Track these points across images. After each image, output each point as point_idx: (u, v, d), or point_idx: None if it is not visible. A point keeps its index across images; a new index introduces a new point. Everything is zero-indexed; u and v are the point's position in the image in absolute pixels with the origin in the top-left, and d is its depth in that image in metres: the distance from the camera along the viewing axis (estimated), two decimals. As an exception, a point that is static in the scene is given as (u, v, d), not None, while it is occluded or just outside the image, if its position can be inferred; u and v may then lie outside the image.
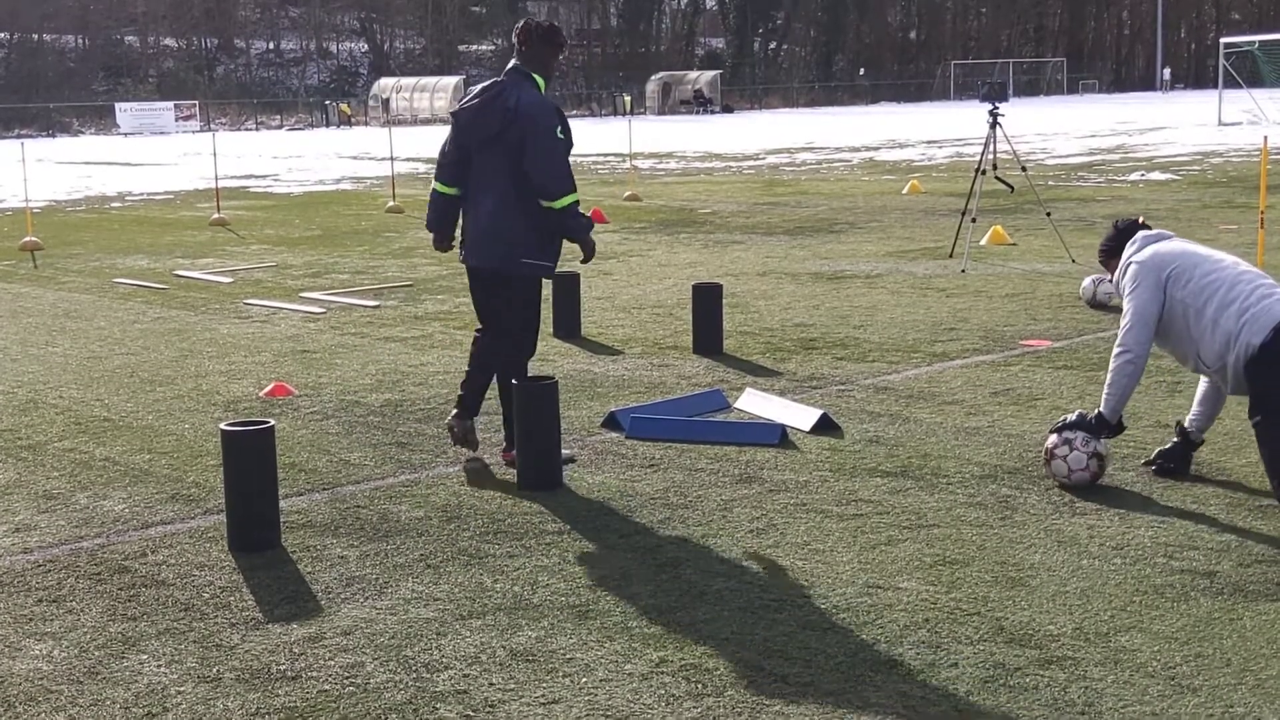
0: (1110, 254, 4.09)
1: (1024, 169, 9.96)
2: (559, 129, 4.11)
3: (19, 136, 41.42)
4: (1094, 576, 3.22)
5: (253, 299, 8.24)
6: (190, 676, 2.82)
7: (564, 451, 4.26)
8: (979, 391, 5.22)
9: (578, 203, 4.20)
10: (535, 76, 4.24)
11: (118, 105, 49.06)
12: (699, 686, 2.70)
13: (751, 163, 22.06)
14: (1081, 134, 26.96)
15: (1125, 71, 75.34)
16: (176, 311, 7.85)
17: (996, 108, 9.00)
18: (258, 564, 3.48)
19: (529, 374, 4.35)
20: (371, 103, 55.55)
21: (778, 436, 4.55)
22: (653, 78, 61.05)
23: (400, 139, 29.99)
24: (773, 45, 73.38)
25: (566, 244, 4.39)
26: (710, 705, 2.62)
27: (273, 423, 3.68)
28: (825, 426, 4.67)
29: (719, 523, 3.72)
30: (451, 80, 55.35)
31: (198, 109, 49.02)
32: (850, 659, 2.81)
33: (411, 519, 3.84)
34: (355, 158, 27.20)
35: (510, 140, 4.10)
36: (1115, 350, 3.92)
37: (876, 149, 24.72)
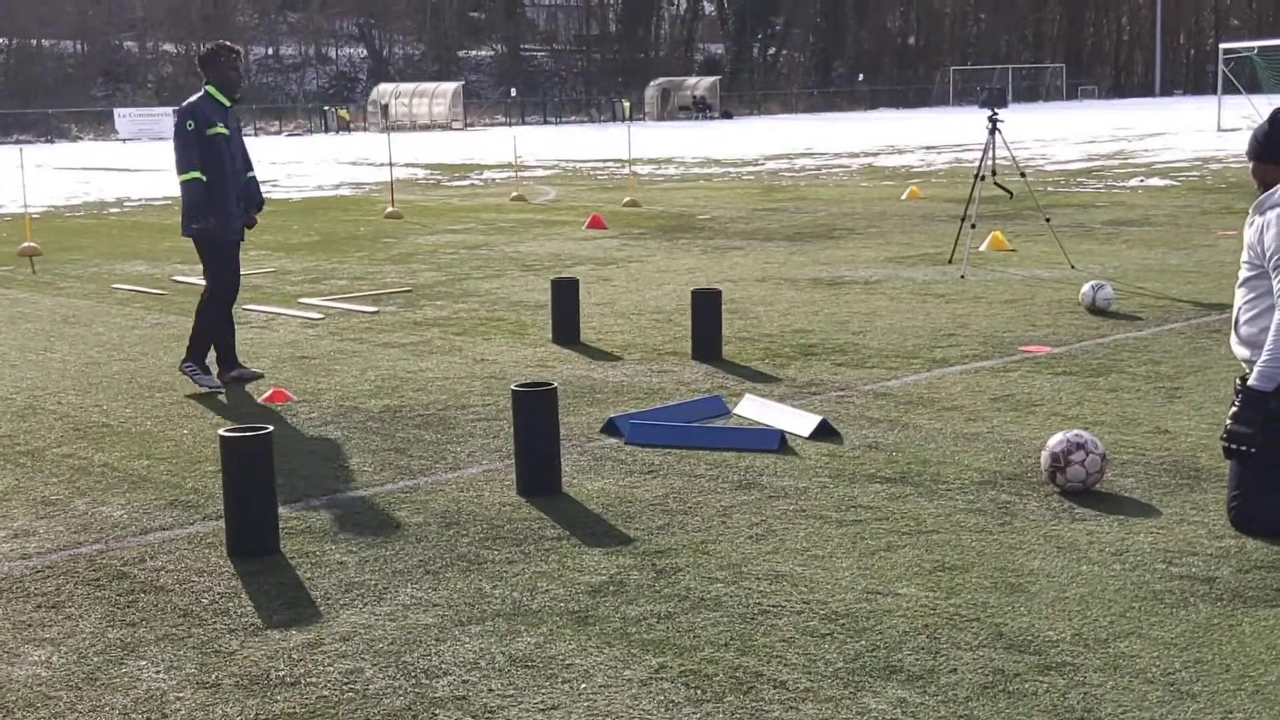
0: (1260, 155, 3.57)
1: (1023, 175, 9.96)
2: (187, 123, 5.58)
3: (17, 142, 41.42)
4: (1093, 582, 3.22)
5: (251, 305, 8.23)
6: (189, 682, 2.81)
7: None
8: (978, 397, 5.22)
9: (194, 180, 5.60)
10: (208, 88, 5.71)
11: (116, 111, 49.03)
12: (698, 692, 2.70)
13: (751, 168, 22.07)
14: (1081, 140, 26.99)
15: (1124, 77, 75.42)
16: (175, 317, 7.84)
17: (995, 113, 9.00)
18: (256, 570, 3.48)
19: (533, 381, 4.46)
20: (370, 108, 55.59)
21: (777, 442, 4.54)
22: (652, 83, 61.12)
23: (399, 144, 30.01)
24: (772, 51, 73.45)
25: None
26: (709, 711, 2.61)
27: (271, 429, 3.68)
28: (824, 432, 4.67)
29: (718, 529, 3.71)
30: (451, 86, 55.39)
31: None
32: (849, 665, 2.80)
33: (410, 525, 3.83)
34: (354, 163, 27.21)
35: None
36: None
37: (875, 155, 24.73)
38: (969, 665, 2.78)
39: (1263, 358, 3.48)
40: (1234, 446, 3.50)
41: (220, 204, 5.63)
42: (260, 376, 5.89)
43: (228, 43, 5.88)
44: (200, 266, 5.97)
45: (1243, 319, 3.67)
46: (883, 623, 3.01)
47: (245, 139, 6.02)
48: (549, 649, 2.93)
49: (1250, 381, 3.50)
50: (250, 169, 5.88)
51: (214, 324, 5.74)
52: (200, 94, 5.69)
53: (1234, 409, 3.52)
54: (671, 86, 61.14)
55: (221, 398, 5.63)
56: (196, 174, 5.56)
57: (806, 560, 3.43)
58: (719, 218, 13.32)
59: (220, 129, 5.61)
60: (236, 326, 6.16)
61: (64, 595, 3.34)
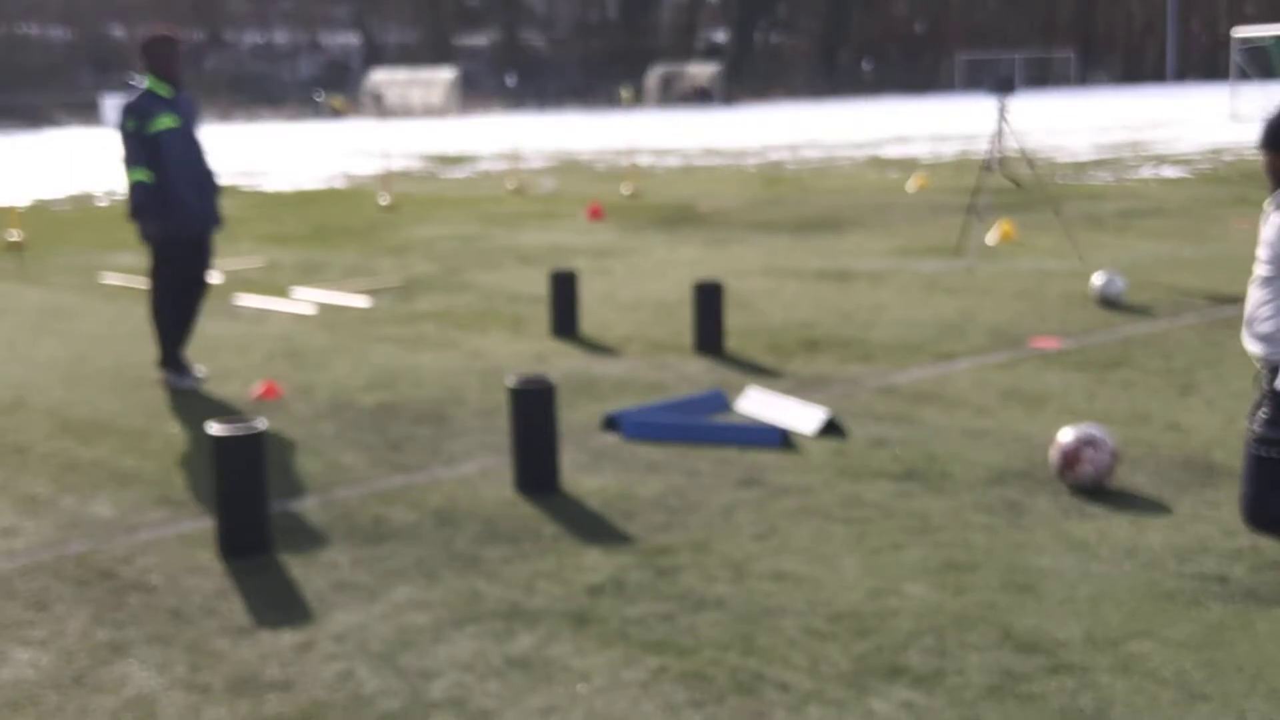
0: (1276, 144, 3.45)
1: (1032, 165, 9.89)
2: (127, 123, 5.46)
3: (4, 131, 41.25)
4: (1104, 582, 3.18)
5: (243, 298, 8.17)
6: (179, 684, 2.79)
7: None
8: (986, 392, 5.16)
9: (138, 182, 5.48)
10: (148, 80, 5.57)
11: (105, 99, 48.78)
12: (699, 694, 2.66)
13: (754, 158, 22.01)
14: (1092, 128, 26.92)
15: (1136, 64, 75.12)
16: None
17: (1004, 102, 8.92)
18: (247, 569, 3.44)
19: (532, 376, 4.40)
20: (365, 97, 55.47)
21: (780, 438, 4.49)
22: (652, 71, 60.99)
23: (394, 133, 29.96)
24: (775, 37, 73.32)
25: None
26: (711, 713, 2.58)
27: (263, 425, 3.62)
28: (829, 428, 4.61)
29: (720, 526, 3.66)
30: (446, 73, 55.23)
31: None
32: (854, 666, 2.76)
33: (405, 523, 3.78)
34: (348, 153, 27.15)
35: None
36: None
37: (881, 144, 24.66)
38: (977, 666, 2.74)
39: None
40: (1265, 454, 3.42)
41: (170, 203, 5.51)
42: (201, 382, 5.66)
43: (169, 33, 5.74)
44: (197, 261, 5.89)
45: (1260, 317, 3.58)
46: (888, 623, 2.97)
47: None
48: (547, 650, 2.89)
49: (1278, 385, 3.42)
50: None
51: (170, 324, 5.63)
52: (142, 88, 5.55)
53: (1263, 415, 3.45)
54: (673, 74, 61.00)
55: (210, 394, 5.57)
56: (140, 174, 5.46)
57: (810, 559, 3.38)
58: (721, 208, 13.25)
59: (166, 123, 5.47)
60: (231, 320, 6.10)
61: (51, 595, 3.31)
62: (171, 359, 5.66)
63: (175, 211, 5.54)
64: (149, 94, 5.55)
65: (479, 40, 69.51)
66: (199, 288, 5.78)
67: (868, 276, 8.34)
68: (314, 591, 3.26)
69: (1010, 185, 10.29)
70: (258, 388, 5.53)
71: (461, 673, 2.78)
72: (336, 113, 50.85)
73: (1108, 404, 4.92)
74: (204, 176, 5.66)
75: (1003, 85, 9.05)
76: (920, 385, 5.32)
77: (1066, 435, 3.88)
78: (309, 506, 3.97)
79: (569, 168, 21.15)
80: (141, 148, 5.46)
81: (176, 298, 5.70)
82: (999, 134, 8.94)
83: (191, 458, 4.52)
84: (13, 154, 15.85)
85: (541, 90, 61.80)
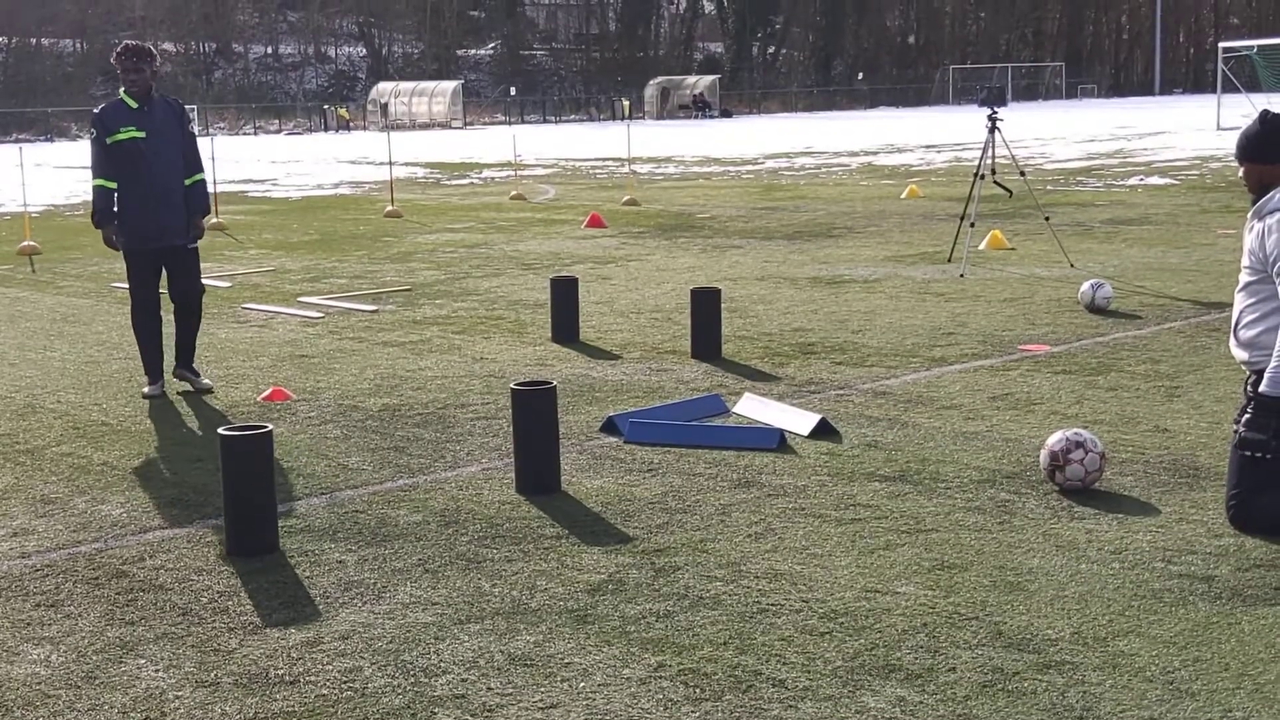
0: (1255, 156, 3.53)
1: (1022, 173, 9.97)
2: (90, 131, 5.62)
3: (16, 141, 41.43)
4: (1092, 581, 3.22)
5: (251, 303, 8.24)
6: (188, 681, 2.82)
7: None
8: (977, 396, 5.22)
9: (98, 188, 5.57)
10: (120, 90, 5.61)
11: (115, 109, 48.87)
12: (697, 691, 2.70)
13: (750, 167, 22.09)
14: (1080, 138, 27.00)
15: (1124, 76, 75.49)
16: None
17: (995, 112, 9.02)
18: (255, 569, 3.48)
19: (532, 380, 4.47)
20: (370, 107, 55.62)
21: (776, 441, 4.55)
22: (651, 82, 61.16)
23: (399, 143, 30.02)
24: (771, 49, 73.54)
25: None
26: (708, 710, 2.61)
27: (271, 427, 3.68)
28: (823, 431, 4.67)
29: (717, 527, 3.72)
30: (450, 85, 55.41)
31: (195, 114, 49.08)
32: (848, 663, 2.80)
33: (409, 523, 3.83)
34: (354, 162, 27.21)
35: None
36: None
37: (875, 153, 24.74)
38: (968, 664, 2.78)
39: (1272, 364, 3.47)
40: (1249, 454, 3.50)
41: (128, 212, 5.49)
42: (209, 390, 5.66)
43: (132, 43, 5.63)
44: (202, 264, 5.96)
45: (1243, 322, 3.66)
46: (882, 621, 3.01)
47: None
48: (548, 647, 2.93)
49: (1261, 388, 3.50)
50: (196, 171, 5.63)
51: (138, 334, 5.62)
52: (115, 99, 5.58)
53: (1247, 416, 3.52)
54: (671, 85, 61.16)
55: (218, 397, 5.63)
56: (99, 181, 5.50)
57: (805, 559, 3.43)
58: (718, 216, 13.32)
59: (129, 133, 5.44)
60: (239, 325, 6.15)
61: (63, 594, 3.35)
62: (146, 366, 5.63)
63: (127, 223, 5.50)
64: (115, 105, 5.50)
65: (482, 52, 69.69)
66: (182, 300, 5.64)
67: (861, 283, 8.41)
68: (320, 590, 3.30)
69: (1001, 193, 10.37)
70: (266, 391, 5.60)
71: (465, 670, 2.81)
72: (343, 123, 50.87)
73: (1096, 407, 4.97)
74: (171, 190, 5.52)
75: (994, 97, 9.16)
76: (912, 389, 5.37)
77: (1055, 438, 3.94)
78: (315, 507, 4.02)
79: (569, 176, 21.23)
80: (103, 157, 5.45)
81: (152, 310, 5.60)
82: (990, 144, 9.04)
83: (201, 460, 4.58)
84: (26, 163, 15.89)
85: (543, 101, 61.96)
